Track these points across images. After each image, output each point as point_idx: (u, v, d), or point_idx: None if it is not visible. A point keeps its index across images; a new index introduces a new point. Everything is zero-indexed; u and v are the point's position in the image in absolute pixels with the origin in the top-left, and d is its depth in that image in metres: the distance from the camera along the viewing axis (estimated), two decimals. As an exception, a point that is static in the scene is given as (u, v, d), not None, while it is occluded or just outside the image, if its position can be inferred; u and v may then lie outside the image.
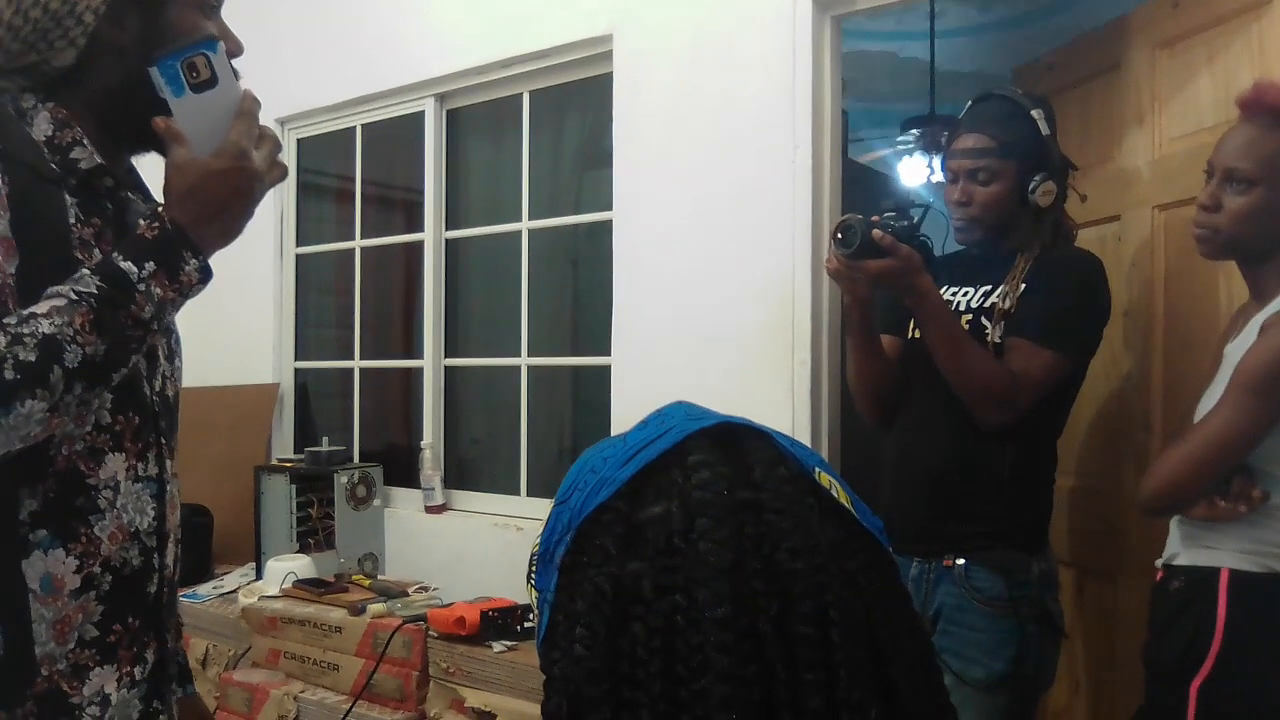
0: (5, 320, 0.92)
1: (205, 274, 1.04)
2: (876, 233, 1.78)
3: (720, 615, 0.54)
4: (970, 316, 1.97)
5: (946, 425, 1.91)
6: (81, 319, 0.94)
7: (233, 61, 1.09)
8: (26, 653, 1.02)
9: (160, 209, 1.03)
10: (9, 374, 0.90)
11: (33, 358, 0.91)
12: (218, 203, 1.03)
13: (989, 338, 1.92)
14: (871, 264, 1.81)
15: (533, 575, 0.63)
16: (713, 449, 0.60)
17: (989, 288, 1.98)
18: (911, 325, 2.02)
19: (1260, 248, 1.67)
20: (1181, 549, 1.70)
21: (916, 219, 1.88)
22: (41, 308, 0.94)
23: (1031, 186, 1.93)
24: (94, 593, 1.06)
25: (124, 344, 0.98)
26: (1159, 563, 1.76)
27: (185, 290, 1.03)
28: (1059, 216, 2.02)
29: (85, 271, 0.98)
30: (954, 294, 2.02)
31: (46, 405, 0.92)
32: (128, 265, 0.98)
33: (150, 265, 0.99)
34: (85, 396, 0.97)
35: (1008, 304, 1.93)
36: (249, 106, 1.06)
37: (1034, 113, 1.95)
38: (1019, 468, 1.87)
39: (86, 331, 0.94)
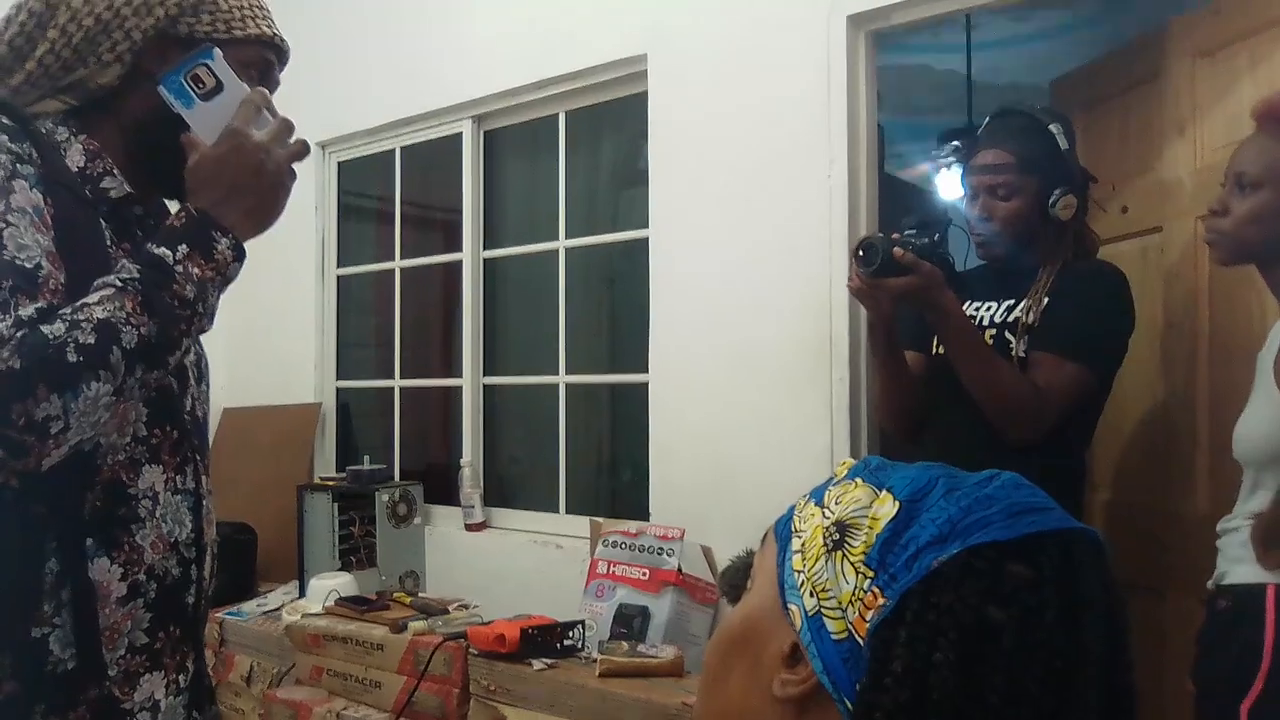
0: (61, 310, 0.96)
1: (239, 252, 1.09)
2: (897, 250, 1.79)
3: (1090, 696, 0.60)
4: (994, 331, 1.96)
5: (972, 440, 1.88)
6: (131, 302, 0.98)
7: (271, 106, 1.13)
8: (95, 656, 1.05)
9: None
10: (72, 356, 0.93)
11: (92, 340, 0.94)
12: (228, 182, 1.08)
13: (1013, 352, 1.91)
14: (893, 282, 1.81)
15: (871, 553, 0.64)
16: (1092, 557, 0.64)
17: (1012, 302, 1.97)
18: (936, 341, 2.02)
19: (1268, 251, 1.66)
20: (1230, 567, 1.67)
21: (938, 236, 1.88)
22: (92, 297, 0.98)
23: (1052, 200, 1.93)
24: (141, 600, 1.09)
25: (174, 323, 1.01)
26: (1210, 583, 1.73)
27: (222, 269, 1.07)
28: (1081, 229, 2.02)
29: (125, 262, 1.02)
30: (977, 309, 2.01)
31: (112, 388, 0.95)
32: (162, 250, 1.03)
33: (183, 248, 1.04)
34: (145, 379, 1.00)
35: (1031, 318, 1.92)
36: (249, 97, 1.11)
37: (1052, 127, 1.95)
38: (1047, 481, 1.83)
39: (138, 313, 0.98)
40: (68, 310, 0.96)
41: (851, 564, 0.64)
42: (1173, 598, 2.24)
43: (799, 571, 0.66)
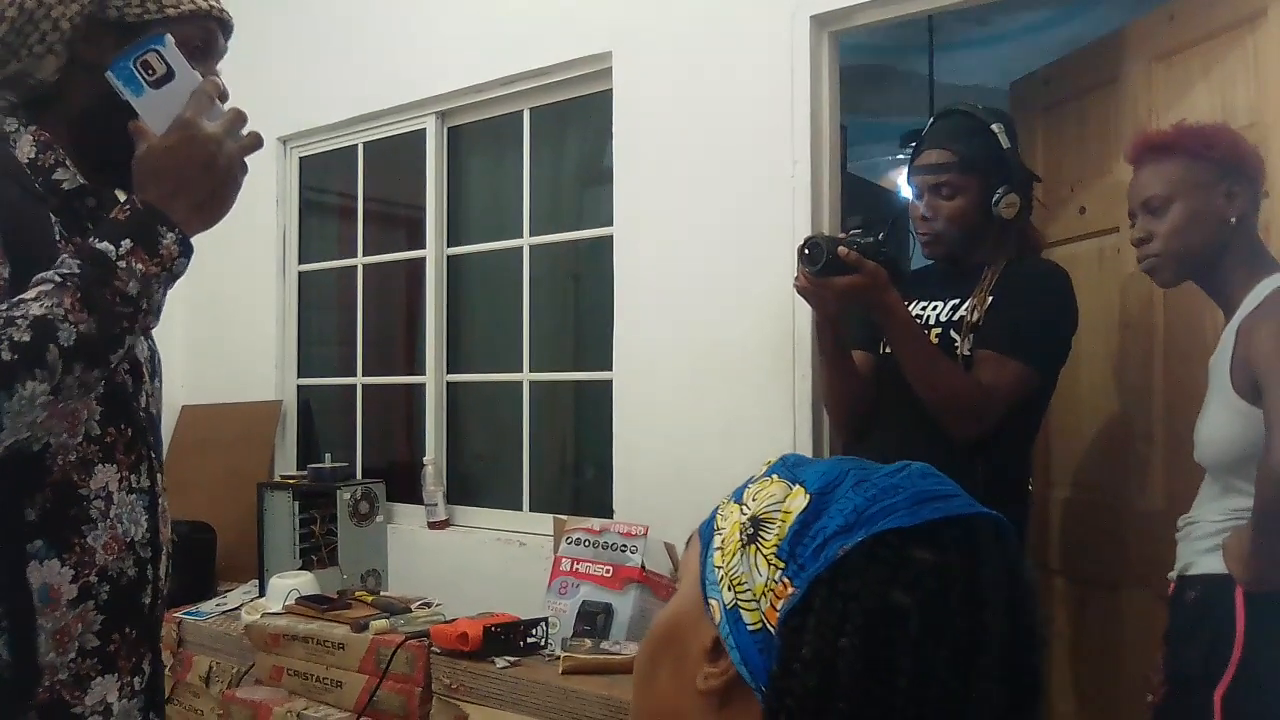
0: None
1: (185, 247, 1.05)
2: (842, 249, 1.81)
3: (995, 676, 0.61)
4: (940, 330, 1.98)
5: (919, 438, 1.90)
6: (70, 299, 0.95)
7: (224, 93, 1.10)
8: (31, 661, 1.02)
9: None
10: (6, 355, 0.90)
11: (27, 338, 0.91)
12: (177, 175, 1.04)
13: (958, 351, 1.93)
14: (838, 281, 1.83)
15: (783, 544, 0.65)
16: (996, 541, 0.65)
17: (957, 301, 1.99)
18: (883, 340, 2.04)
19: (1203, 256, 1.71)
20: (1195, 559, 1.70)
21: (882, 235, 1.90)
22: (30, 293, 0.95)
23: (995, 199, 1.96)
24: (92, 602, 1.07)
25: (115, 321, 0.98)
26: (1171, 575, 1.75)
27: (168, 264, 1.03)
28: (1024, 229, 2.05)
29: (65, 257, 0.99)
30: (923, 308, 2.03)
31: (48, 387, 0.93)
32: (104, 245, 1.00)
33: (127, 243, 1.00)
34: (85, 378, 0.97)
35: (975, 316, 1.94)
36: (202, 86, 1.08)
37: (994, 127, 1.98)
38: (992, 477, 1.83)
39: (77, 310, 0.95)
40: (3, 306, 0.93)
41: (764, 556, 0.65)
42: (1129, 591, 2.28)
43: (719, 567, 0.68)
